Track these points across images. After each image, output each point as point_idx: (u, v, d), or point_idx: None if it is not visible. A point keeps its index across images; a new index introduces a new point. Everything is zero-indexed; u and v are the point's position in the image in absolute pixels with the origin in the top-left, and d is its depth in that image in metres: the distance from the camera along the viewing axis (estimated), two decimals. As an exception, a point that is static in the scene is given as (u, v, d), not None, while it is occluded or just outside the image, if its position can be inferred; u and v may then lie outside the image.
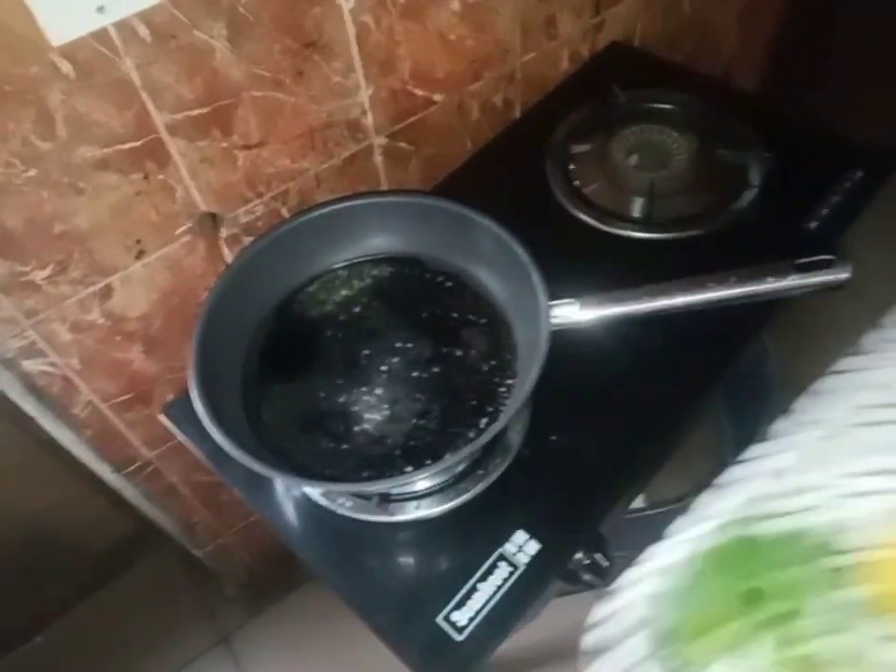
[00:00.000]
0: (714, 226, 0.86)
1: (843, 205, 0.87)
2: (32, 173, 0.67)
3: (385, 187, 0.98)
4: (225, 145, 0.78)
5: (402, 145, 0.95)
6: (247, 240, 0.88)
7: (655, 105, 0.98)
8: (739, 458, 0.61)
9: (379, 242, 0.81)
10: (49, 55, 0.62)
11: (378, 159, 0.94)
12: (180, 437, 0.81)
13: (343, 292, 0.80)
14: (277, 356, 0.76)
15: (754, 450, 0.61)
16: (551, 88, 1.06)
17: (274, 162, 0.83)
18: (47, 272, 0.74)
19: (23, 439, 0.88)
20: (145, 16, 0.65)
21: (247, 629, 1.47)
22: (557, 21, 1.00)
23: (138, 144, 0.72)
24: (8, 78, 0.61)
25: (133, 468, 1.00)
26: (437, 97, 0.93)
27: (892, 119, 1.23)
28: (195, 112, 0.74)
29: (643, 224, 0.87)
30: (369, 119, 0.88)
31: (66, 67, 0.64)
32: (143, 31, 0.66)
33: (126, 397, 0.91)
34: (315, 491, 0.74)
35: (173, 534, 1.16)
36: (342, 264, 0.81)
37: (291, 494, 0.75)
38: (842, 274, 0.65)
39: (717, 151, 0.91)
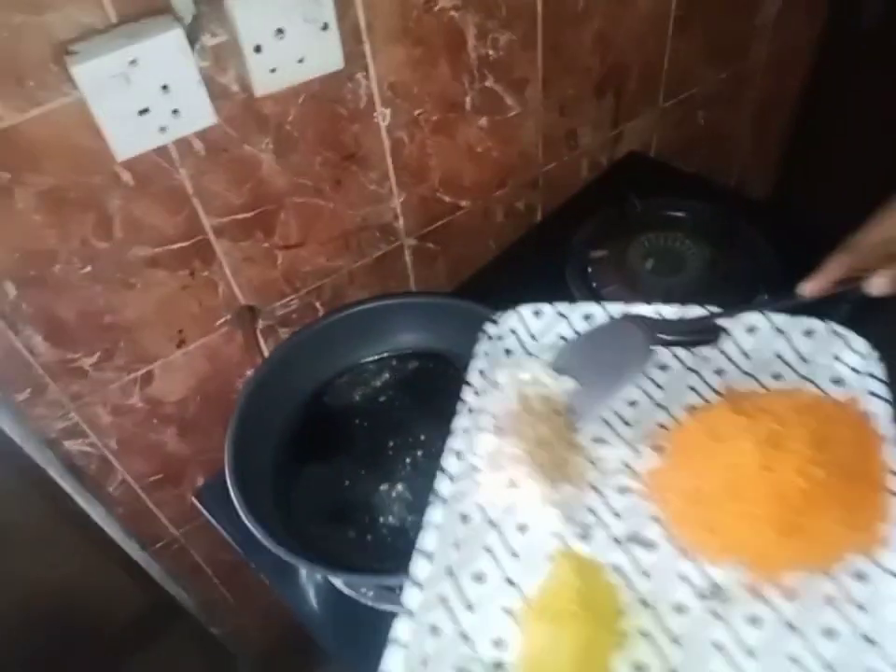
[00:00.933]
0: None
1: (853, 312, 0.89)
2: (88, 269, 0.73)
3: (413, 284, 1.03)
4: (266, 245, 0.84)
5: (430, 245, 1.00)
6: (283, 331, 0.93)
7: (670, 213, 1.02)
8: None
9: (406, 338, 0.86)
10: (112, 166, 0.68)
11: (407, 258, 0.99)
12: (211, 521, 0.84)
13: (372, 385, 0.84)
14: (307, 445, 0.80)
15: None
16: (571, 193, 1.11)
17: (311, 261, 0.89)
18: (94, 358, 0.79)
19: (55, 512, 0.91)
20: (200, 132, 0.71)
21: (262, 711, 1.46)
22: (578, 135, 1.05)
23: (187, 244, 0.78)
24: (74, 187, 0.67)
25: (160, 545, 1.03)
26: (464, 203, 0.99)
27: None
28: (241, 216, 0.80)
29: (658, 328, 0.90)
30: (400, 223, 0.94)
31: (127, 176, 0.70)
32: (198, 145, 0.72)
33: (158, 476, 0.95)
34: (339, 580, 0.76)
35: (192, 610, 1.17)
36: (371, 358, 0.86)
37: (315, 581, 0.78)
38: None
39: (730, 258, 0.94)
